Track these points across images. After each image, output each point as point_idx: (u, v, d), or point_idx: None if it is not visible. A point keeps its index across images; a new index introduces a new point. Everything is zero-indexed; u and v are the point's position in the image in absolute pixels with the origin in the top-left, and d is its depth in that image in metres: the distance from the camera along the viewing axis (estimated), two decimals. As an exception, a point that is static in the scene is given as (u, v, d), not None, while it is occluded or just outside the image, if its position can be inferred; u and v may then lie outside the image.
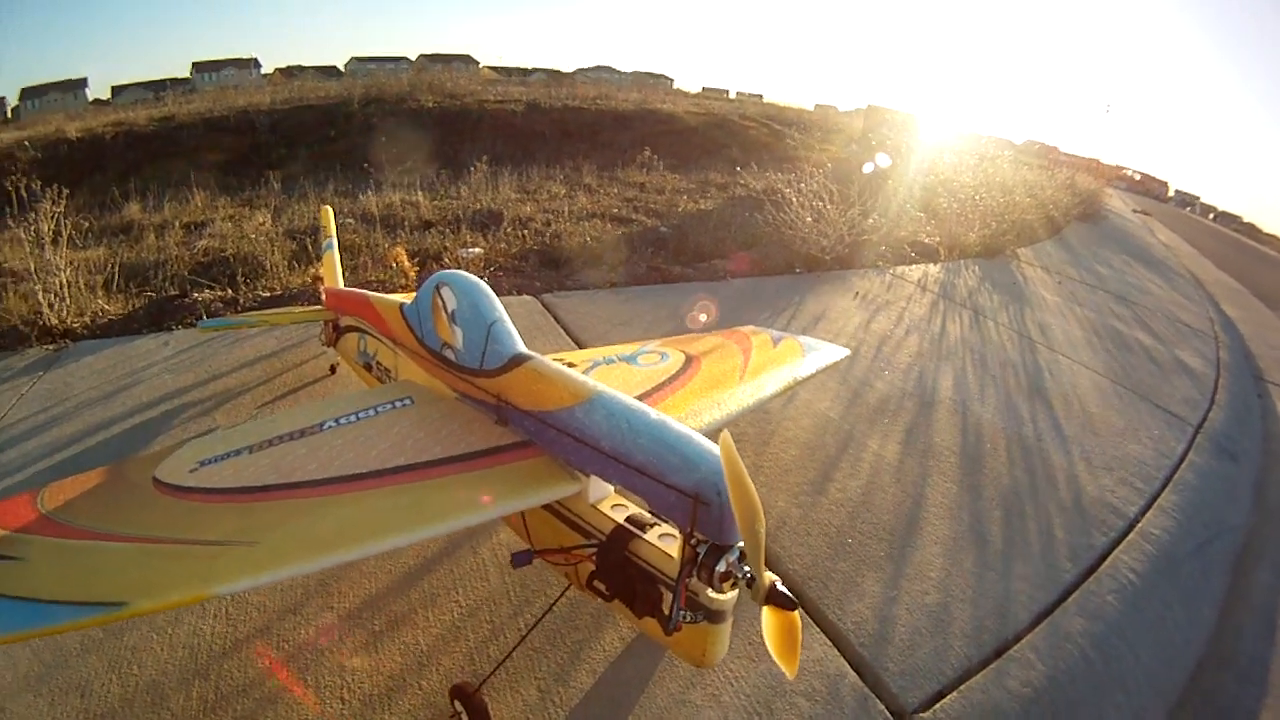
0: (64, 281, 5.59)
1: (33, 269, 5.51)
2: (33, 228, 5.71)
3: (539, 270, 7.41)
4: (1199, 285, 14.13)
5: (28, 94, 56.48)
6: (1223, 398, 6.88)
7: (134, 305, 5.96)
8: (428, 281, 2.77)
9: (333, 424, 2.39)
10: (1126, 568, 3.77)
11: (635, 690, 2.59)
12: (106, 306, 5.85)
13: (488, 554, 3.17)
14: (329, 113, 17.67)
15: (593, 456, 2.02)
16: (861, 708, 2.64)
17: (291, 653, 2.64)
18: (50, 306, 5.41)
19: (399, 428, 2.37)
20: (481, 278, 6.30)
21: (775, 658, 1.72)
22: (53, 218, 5.80)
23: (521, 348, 2.42)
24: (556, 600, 2.57)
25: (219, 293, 6.23)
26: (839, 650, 2.87)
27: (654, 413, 2.01)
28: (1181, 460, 5.17)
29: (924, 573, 3.36)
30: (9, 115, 44.65)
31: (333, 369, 4.74)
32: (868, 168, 10.46)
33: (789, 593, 1.71)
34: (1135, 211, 26.90)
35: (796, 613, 1.72)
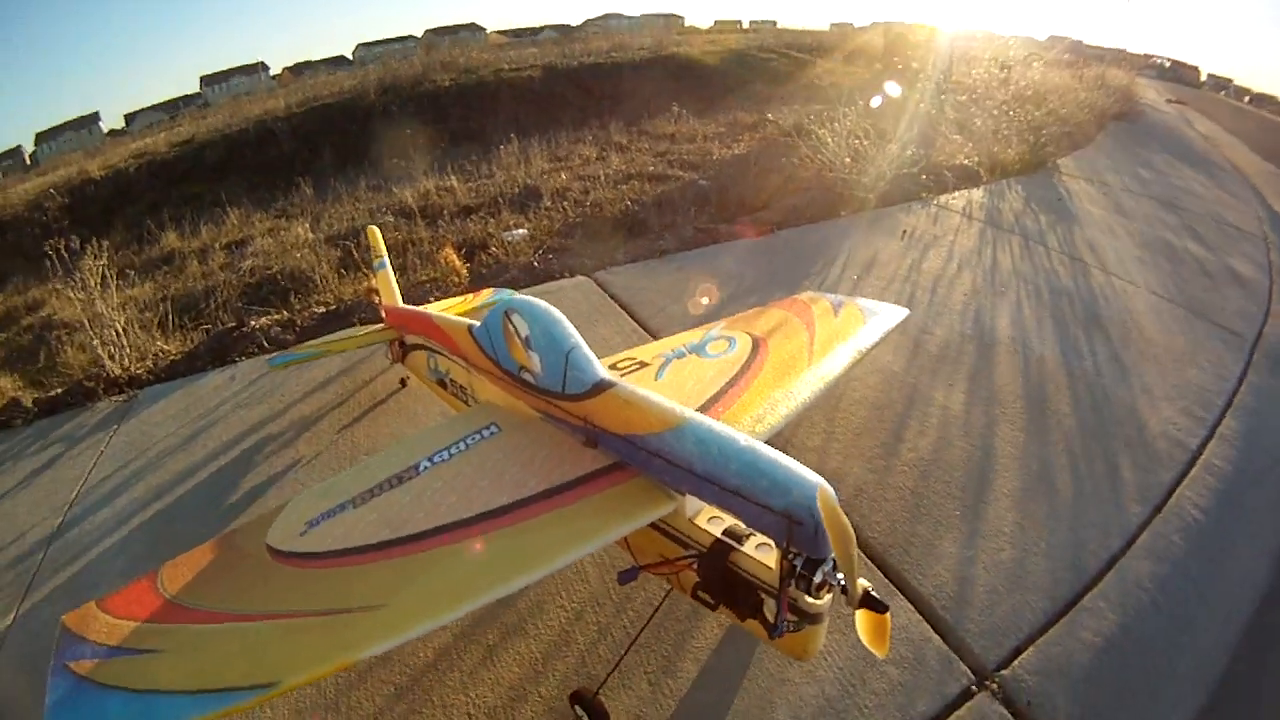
0: (119, 329, 5.66)
1: (87, 323, 5.57)
2: (79, 285, 5.77)
3: (586, 245, 7.35)
4: (1243, 179, 13.62)
5: (42, 138, 56.86)
6: (1277, 306, 6.71)
7: (193, 341, 6.03)
8: (495, 308, 2.85)
9: (427, 463, 2.48)
10: (1191, 504, 3.79)
11: (737, 674, 2.76)
12: (166, 347, 5.93)
13: (588, 558, 3.27)
14: (347, 108, 17.57)
15: (686, 478, 2.13)
16: (946, 670, 2.78)
17: (415, 676, 2.81)
18: (111, 357, 5.48)
19: (493, 461, 2.46)
20: (533, 262, 6.44)
21: (867, 646, 1.89)
22: (97, 271, 5.86)
23: (602, 373, 2.50)
24: (661, 603, 2.71)
25: (275, 316, 6.28)
26: (922, 615, 2.99)
27: (743, 438, 2.10)
28: (1240, 382, 5.10)
29: (998, 529, 3.44)
30: (28, 162, 45.11)
31: (403, 383, 4.81)
32: (875, 101, 10.20)
33: (880, 597, 1.86)
34: (1170, 101, 25.81)
35: (888, 613, 1.86)
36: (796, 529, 1.84)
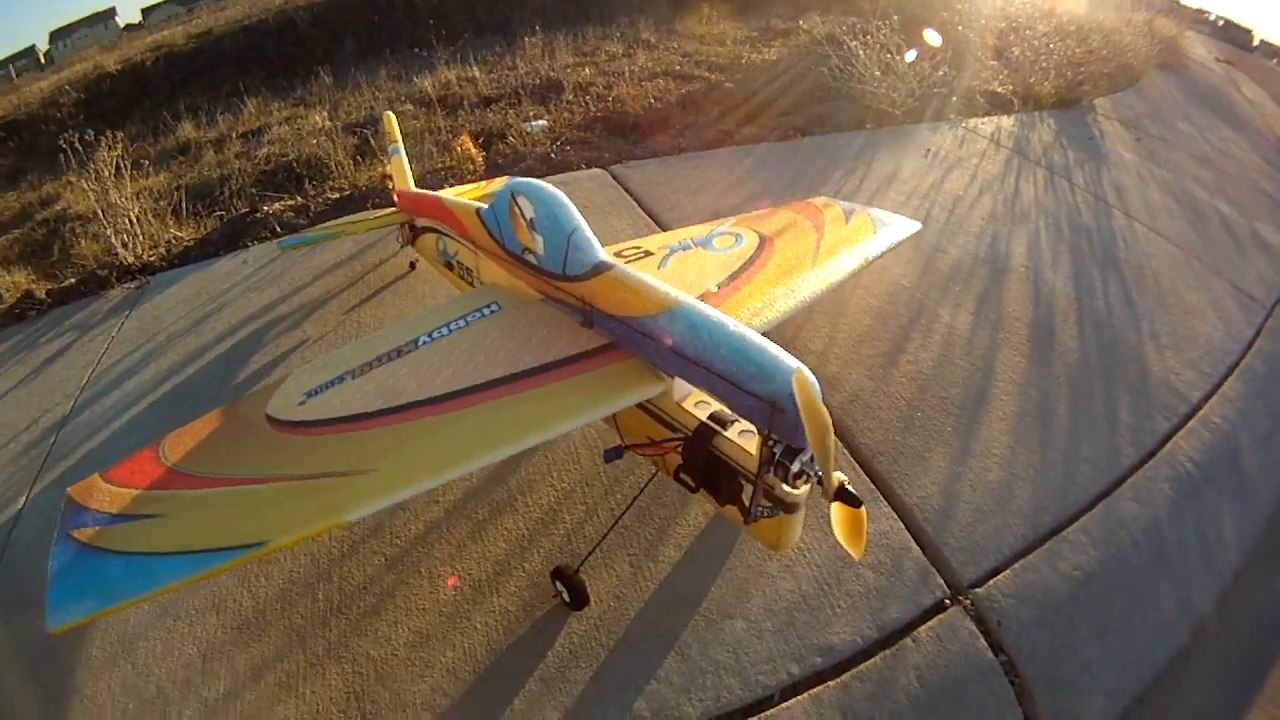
0: (133, 218, 5.71)
1: (100, 213, 5.63)
2: (93, 177, 5.81)
3: (605, 139, 7.31)
4: (1285, 149, 13.25)
5: (56, 36, 55.07)
6: None
7: (206, 228, 6.08)
8: (502, 189, 2.86)
9: (426, 339, 2.54)
10: (1184, 455, 3.76)
11: (717, 562, 2.82)
12: (179, 234, 5.98)
13: (578, 439, 3.35)
14: (370, -4, 17.14)
15: (676, 361, 2.15)
16: (921, 580, 2.82)
17: (405, 548, 2.90)
18: (124, 245, 5.55)
19: (491, 337, 2.51)
20: (550, 153, 6.41)
21: (843, 543, 1.91)
22: (111, 162, 5.88)
23: (602, 255, 2.52)
24: (646, 485, 2.77)
25: (289, 202, 6.31)
26: (904, 524, 3.03)
27: (733, 323, 2.11)
28: (1250, 345, 5.00)
29: (989, 449, 3.45)
30: (43, 61, 44.28)
31: (412, 265, 4.85)
32: (910, 55, 9.95)
33: (855, 492, 1.88)
34: (1218, 60, 25.02)
35: (863, 508, 1.88)
36: (779, 416, 1.86)
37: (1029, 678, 2.63)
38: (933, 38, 10.35)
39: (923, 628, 2.68)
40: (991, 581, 2.87)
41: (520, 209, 2.72)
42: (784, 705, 2.45)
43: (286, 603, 2.74)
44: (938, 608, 2.75)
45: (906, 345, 4.13)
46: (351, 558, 2.88)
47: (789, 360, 1.95)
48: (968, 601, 2.78)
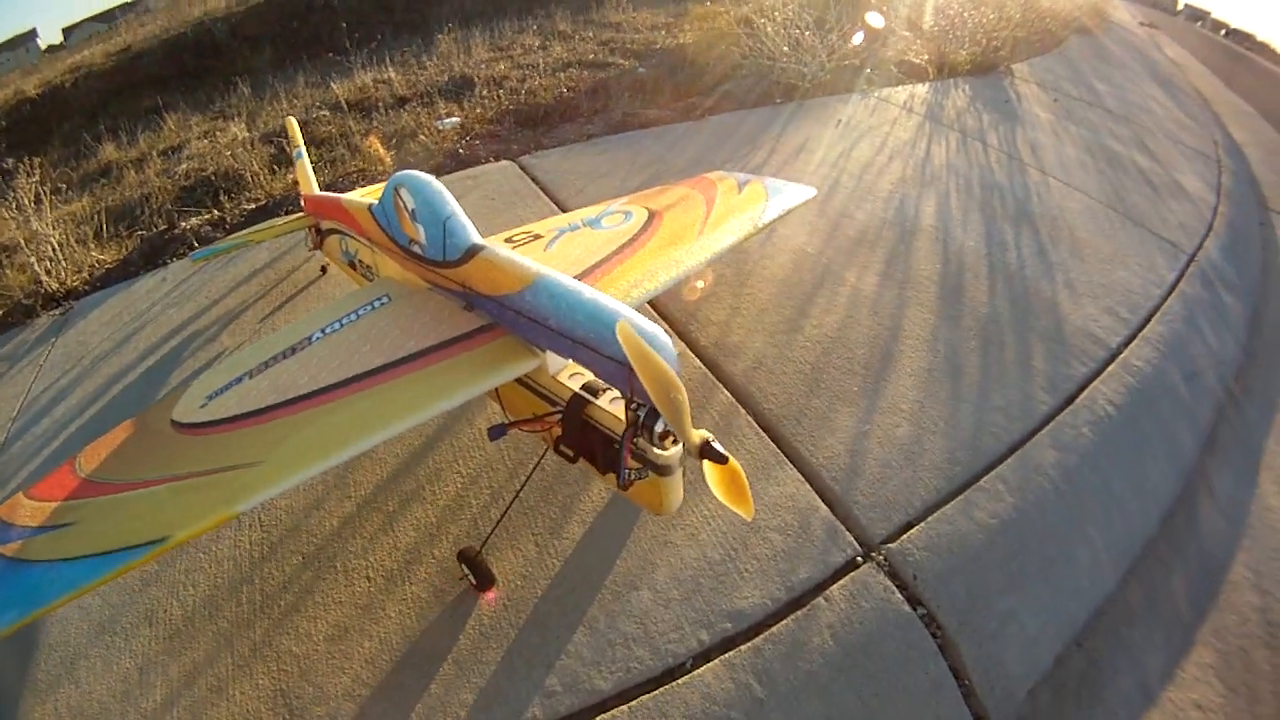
0: (55, 245, 5.70)
1: (23, 243, 5.62)
2: (14, 205, 5.82)
3: (516, 132, 7.32)
4: (1206, 105, 13.42)
5: None
6: (1221, 225, 6.60)
7: (127, 249, 6.03)
8: (388, 184, 2.88)
9: (319, 335, 2.58)
10: (1105, 399, 3.79)
11: (621, 535, 2.85)
12: (101, 257, 5.94)
13: (483, 424, 3.37)
14: (287, 4, 16.89)
15: (544, 334, 2.20)
16: (831, 539, 2.85)
17: (320, 545, 2.93)
18: (48, 273, 5.52)
19: (379, 328, 2.56)
20: (458, 149, 6.40)
21: (728, 505, 1.92)
22: (30, 190, 5.88)
23: (475, 238, 2.55)
24: (540, 460, 2.82)
25: (206, 216, 6.27)
26: (811, 485, 3.05)
27: (588, 290, 2.16)
28: (1172, 290, 5.04)
29: (897, 405, 3.49)
30: None
31: (323, 270, 4.86)
32: (857, 38, 10.02)
33: (720, 449, 1.88)
34: (1141, 24, 25.51)
35: (734, 462, 1.91)
36: (635, 377, 1.87)
37: (950, 629, 2.67)
38: (875, 20, 10.46)
39: (834, 586, 2.70)
40: (904, 536, 2.90)
41: (403, 201, 2.75)
42: (696, 672, 2.47)
43: (213, 608, 2.77)
44: (849, 566, 2.77)
45: (810, 310, 4.15)
46: (271, 559, 2.91)
47: (625, 314, 2.01)
48: (880, 557, 2.81)
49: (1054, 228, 5.56)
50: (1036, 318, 4.35)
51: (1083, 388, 3.85)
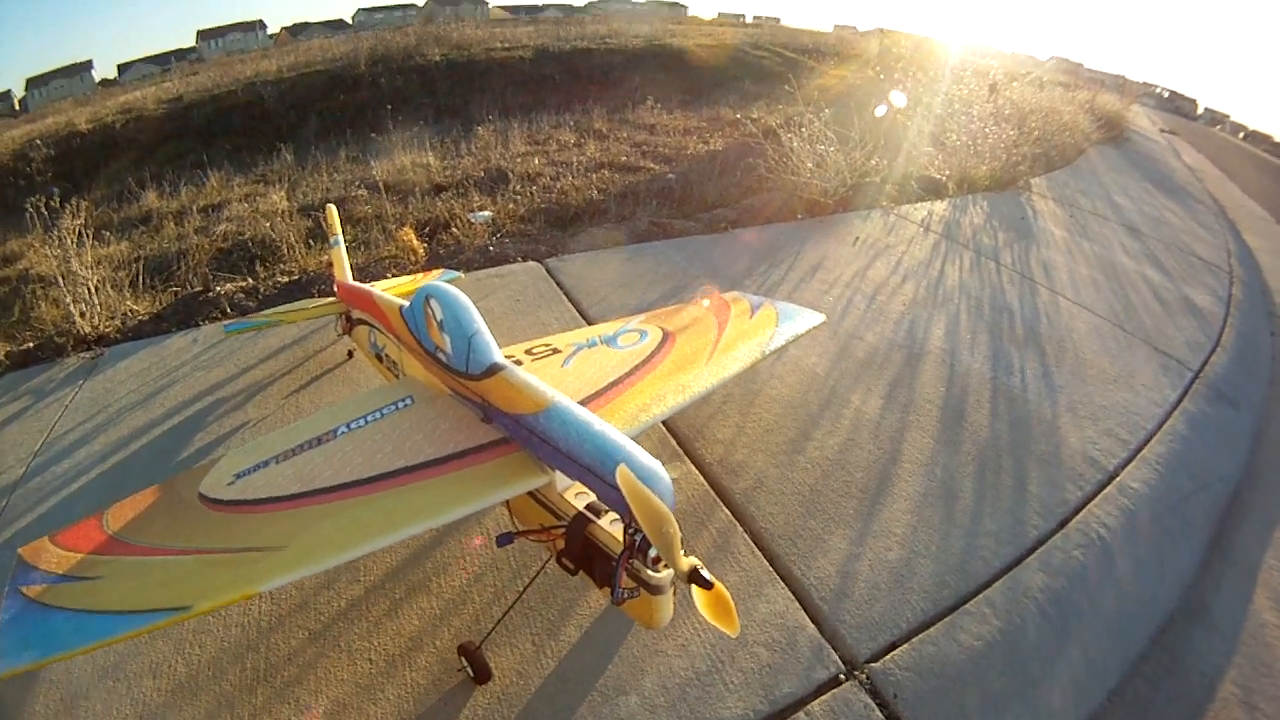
0: (92, 287, 5.84)
1: (60, 280, 5.76)
2: (56, 242, 5.97)
3: (545, 231, 7.50)
4: (1221, 212, 13.64)
5: (33, 84, 55.93)
6: (1230, 339, 6.73)
7: (161, 304, 6.17)
8: (418, 292, 3.05)
9: (344, 429, 2.74)
10: (1098, 522, 3.87)
11: (615, 642, 2.95)
12: (135, 307, 6.07)
13: (491, 525, 3.50)
14: (336, 75, 17.69)
15: (554, 455, 2.36)
16: (816, 657, 2.94)
17: (327, 623, 3.04)
18: (82, 314, 5.65)
19: (401, 430, 2.71)
20: (488, 245, 6.61)
21: (713, 624, 2.06)
22: (74, 230, 6.05)
23: (497, 357, 2.72)
24: (543, 567, 2.96)
25: (240, 283, 6.42)
26: (800, 604, 3.15)
27: (598, 423, 2.32)
28: (1174, 408, 5.13)
29: (890, 529, 3.59)
30: (16, 108, 44.58)
31: (350, 354, 5.00)
32: (880, 110, 10.30)
33: (707, 575, 2.02)
34: (1162, 131, 25.96)
35: (720, 587, 2.04)
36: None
37: (928, 748, 2.71)
38: (898, 99, 10.75)
39: (816, 702, 2.77)
40: (888, 656, 2.97)
41: (433, 311, 2.92)
42: (677, 780, 2.55)
43: (217, 670, 2.85)
44: (832, 682, 2.85)
45: (814, 432, 4.27)
46: (278, 630, 3.00)
47: (631, 456, 2.15)
48: (863, 676, 2.88)
49: (1060, 349, 5.68)
50: (1035, 442, 4.43)
51: (1077, 511, 3.93)
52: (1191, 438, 4.87)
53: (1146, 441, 4.67)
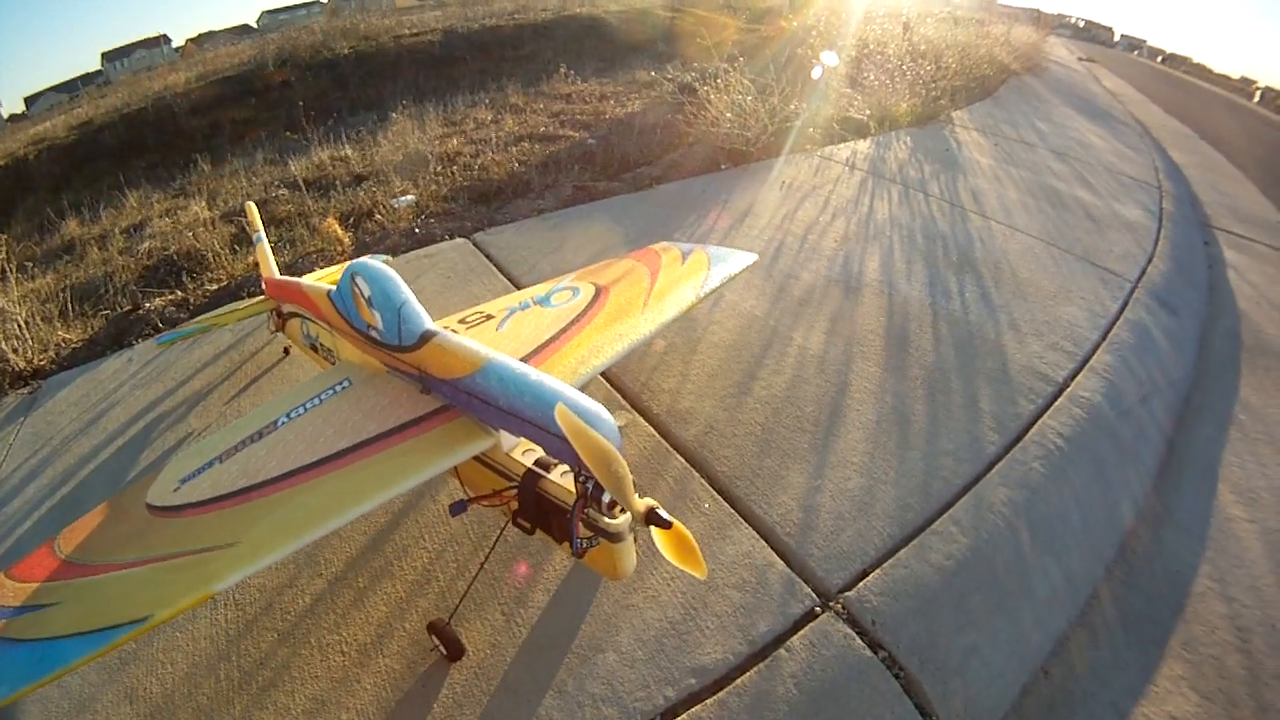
0: (21, 322, 5.68)
1: None
2: None
3: (470, 208, 7.44)
4: (1145, 133, 13.90)
5: None
6: (1164, 249, 6.86)
7: (93, 328, 6.02)
8: (344, 272, 2.99)
9: (285, 419, 2.68)
10: (1054, 433, 3.93)
11: (584, 602, 2.93)
12: (67, 336, 5.91)
13: (445, 500, 3.46)
14: (246, 80, 17.32)
15: (495, 414, 2.33)
16: (789, 592, 2.95)
17: (295, 621, 2.98)
18: (15, 351, 5.50)
19: (341, 412, 2.67)
20: (414, 228, 6.51)
21: (679, 566, 2.05)
22: None
23: (428, 324, 2.67)
24: (501, 533, 2.91)
25: (169, 297, 6.29)
26: (766, 542, 3.16)
27: (534, 373, 2.30)
28: (1116, 319, 5.22)
29: (847, 459, 3.61)
30: None
31: (286, 351, 4.90)
32: (816, 72, 10.34)
33: (664, 514, 2.01)
34: (1080, 60, 26.37)
35: (680, 526, 2.04)
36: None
37: (913, 669, 2.76)
38: (829, 59, 10.78)
39: (795, 637, 2.79)
40: (861, 584, 2.99)
41: (360, 289, 2.87)
42: (664, 728, 2.55)
43: (192, 685, 2.79)
44: (808, 616, 2.87)
45: (759, 372, 4.28)
46: (247, 636, 2.94)
47: (565, 396, 2.14)
48: (838, 606, 2.90)
49: (997, 271, 5.76)
50: (981, 360, 4.49)
51: (1031, 424, 3.98)
52: (1137, 345, 4.97)
53: (1093, 352, 4.76)
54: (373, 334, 2.87)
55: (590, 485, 2.09)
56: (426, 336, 2.62)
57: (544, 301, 3.53)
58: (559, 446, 2.11)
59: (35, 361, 5.53)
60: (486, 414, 2.37)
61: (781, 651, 2.75)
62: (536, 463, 2.44)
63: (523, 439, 2.49)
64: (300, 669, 2.79)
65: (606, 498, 2.08)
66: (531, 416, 2.19)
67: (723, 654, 2.74)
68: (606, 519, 2.13)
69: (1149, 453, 4.25)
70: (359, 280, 2.86)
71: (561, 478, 2.34)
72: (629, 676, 2.67)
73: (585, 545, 2.18)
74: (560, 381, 2.26)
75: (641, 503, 2.01)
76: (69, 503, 3.90)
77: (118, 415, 4.61)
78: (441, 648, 2.74)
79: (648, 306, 3.35)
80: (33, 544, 3.58)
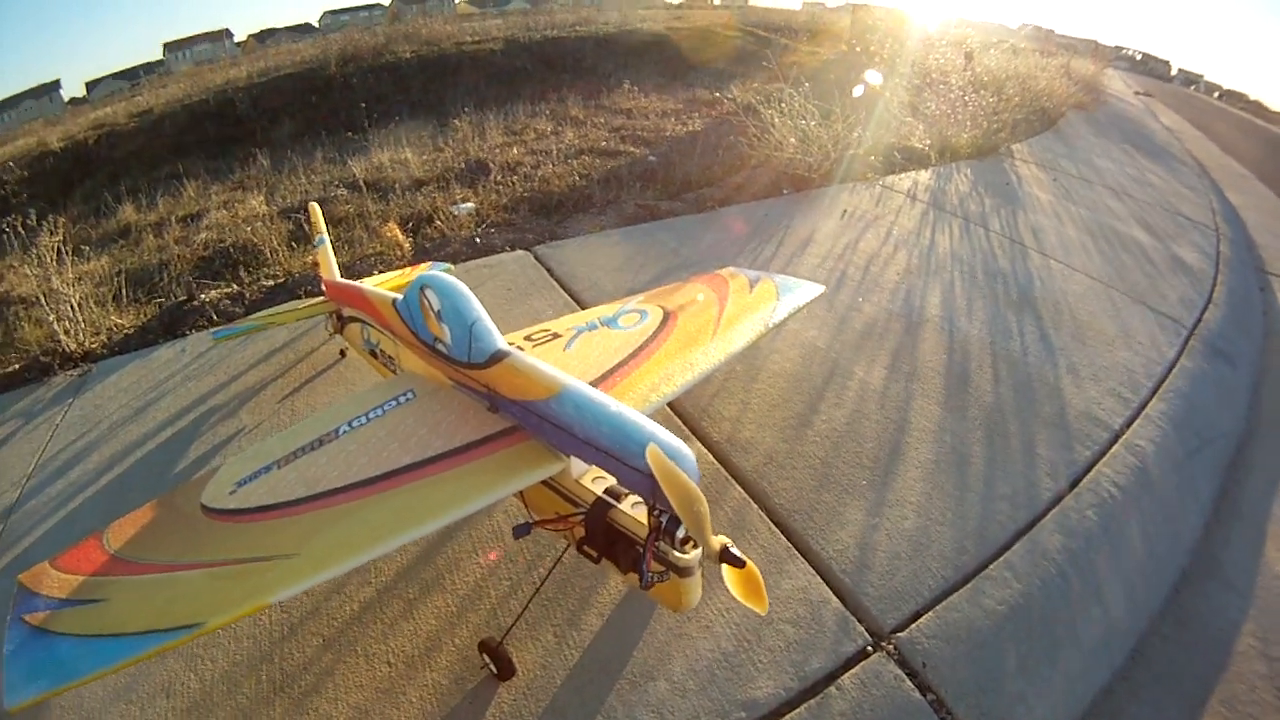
0: (75, 304, 5.74)
1: (43, 299, 5.66)
2: (36, 262, 5.89)
3: (530, 220, 7.45)
4: (1203, 172, 13.70)
5: (1, 106, 55.21)
6: (1221, 295, 6.76)
7: (146, 316, 6.09)
8: (412, 283, 2.97)
9: (346, 428, 2.65)
10: (1109, 481, 3.88)
11: (638, 628, 2.91)
12: (120, 321, 5.98)
13: (501, 518, 3.44)
14: (307, 78, 17.50)
15: (569, 441, 2.28)
16: (842, 630, 2.91)
17: (341, 628, 2.97)
18: (66, 332, 5.56)
19: (405, 424, 2.62)
20: (475, 237, 6.52)
21: (743, 602, 2.01)
22: (53, 248, 5.95)
23: (501, 344, 2.64)
24: (560, 556, 2.90)
25: (225, 290, 6.34)
26: (822, 578, 3.12)
27: (614, 404, 2.24)
28: (1173, 366, 5.15)
29: (905, 498, 3.57)
30: None
31: (342, 353, 4.93)
32: (858, 90, 10.28)
33: (738, 553, 1.99)
34: (1137, 94, 26.05)
35: (751, 565, 2.00)
36: (659, 488, 1.97)
37: (960, 714, 2.70)
38: (873, 77, 10.73)
39: (846, 675, 2.75)
40: (914, 625, 2.95)
41: (429, 301, 2.84)
42: (711, 762, 2.50)
43: (232, 684, 2.78)
44: (860, 655, 2.83)
45: (820, 405, 4.25)
46: (291, 639, 2.93)
47: (655, 435, 2.08)
48: (890, 646, 2.86)
49: (1056, 312, 5.69)
50: (1040, 404, 4.44)
51: (1086, 471, 3.93)
52: (1192, 394, 4.89)
53: (1149, 399, 4.70)
54: (439, 347, 2.85)
55: (665, 519, 2.05)
56: (498, 356, 2.59)
57: (611, 323, 3.50)
58: (635, 480, 2.08)
59: (86, 344, 5.60)
60: (559, 439, 2.33)
61: (832, 689, 2.71)
62: (607, 491, 2.40)
63: (593, 467, 2.46)
64: (344, 677, 2.78)
65: (681, 533, 2.04)
66: (609, 447, 2.14)
67: (774, 688, 2.70)
68: (677, 553, 2.10)
69: (1198, 505, 4.16)
70: (428, 292, 2.84)
71: (632, 508, 2.30)
72: (680, 706, 2.64)
73: (655, 579, 2.14)
74: (640, 414, 2.22)
75: (716, 540, 1.98)
76: (114, 489, 3.93)
77: (168, 405, 4.65)
78: (492, 666, 2.72)
79: (717, 335, 3.31)
80: (74, 528, 3.65)
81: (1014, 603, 3.11)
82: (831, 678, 2.75)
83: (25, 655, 1.84)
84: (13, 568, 3.42)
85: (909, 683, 2.75)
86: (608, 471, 2.23)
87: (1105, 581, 3.39)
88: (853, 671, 2.77)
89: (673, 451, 1.97)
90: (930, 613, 3.02)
